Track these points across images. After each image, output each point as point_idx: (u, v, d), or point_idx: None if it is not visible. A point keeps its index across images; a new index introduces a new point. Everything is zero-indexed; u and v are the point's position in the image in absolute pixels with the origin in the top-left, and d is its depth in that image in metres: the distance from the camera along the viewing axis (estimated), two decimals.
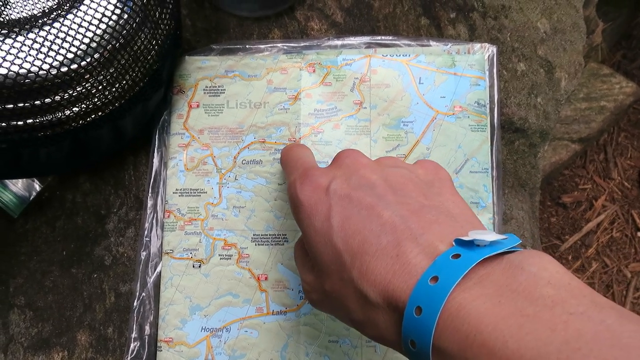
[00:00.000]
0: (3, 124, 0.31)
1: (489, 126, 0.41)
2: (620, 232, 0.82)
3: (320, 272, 0.28)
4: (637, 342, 0.18)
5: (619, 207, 0.82)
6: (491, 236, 0.23)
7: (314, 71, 0.42)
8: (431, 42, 0.42)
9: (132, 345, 0.38)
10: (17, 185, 0.40)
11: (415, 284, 0.23)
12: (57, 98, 0.32)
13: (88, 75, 0.32)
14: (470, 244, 0.23)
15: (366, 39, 0.43)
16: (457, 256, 0.23)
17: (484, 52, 0.42)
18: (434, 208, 0.27)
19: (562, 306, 0.20)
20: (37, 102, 0.31)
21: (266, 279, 0.39)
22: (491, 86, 0.42)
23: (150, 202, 0.41)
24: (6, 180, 0.40)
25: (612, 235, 0.81)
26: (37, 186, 0.40)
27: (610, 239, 0.82)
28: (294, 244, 0.33)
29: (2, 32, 0.30)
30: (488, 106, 0.41)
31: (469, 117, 0.41)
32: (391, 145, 0.41)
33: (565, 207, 0.82)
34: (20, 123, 0.31)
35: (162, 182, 0.41)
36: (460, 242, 0.24)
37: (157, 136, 0.42)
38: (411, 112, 0.41)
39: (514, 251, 0.24)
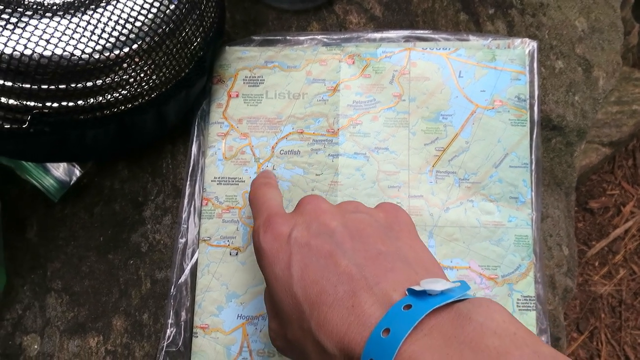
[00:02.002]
0: (54, 105, 0.31)
1: (529, 121, 0.41)
2: None
3: (282, 320, 0.29)
4: None
5: None
6: (442, 285, 0.24)
7: (353, 63, 0.42)
8: (470, 37, 0.42)
9: (168, 331, 0.38)
10: (59, 170, 0.40)
11: (368, 336, 0.23)
12: (108, 80, 0.32)
13: (138, 59, 0.33)
14: (422, 294, 0.24)
15: (405, 32, 0.43)
16: (408, 307, 0.23)
17: (525, 47, 0.41)
18: (390, 254, 0.27)
19: (505, 357, 0.21)
20: (89, 84, 0.32)
21: None
22: (531, 81, 0.42)
23: (188, 190, 0.41)
24: (48, 165, 0.40)
25: None
26: (77, 171, 0.41)
27: (638, 246, 0.80)
28: (265, 289, 0.33)
29: (58, 13, 0.30)
30: (528, 101, 0.41)
31: (509, 111, 0.41)
32: (430, 138, 0.41)
33: (592, 213, 0.81)
34: (71, 104, 0.32)
35: (200, 171, 0.41)
36: (412, 292, 0.24)
37: (195, 125, 0.42)
38: (450, 105, 0.41)
39: (464, 299, 0.24)
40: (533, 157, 0.41)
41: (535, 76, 0.42)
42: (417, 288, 0.24)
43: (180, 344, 0.38)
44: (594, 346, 0.80)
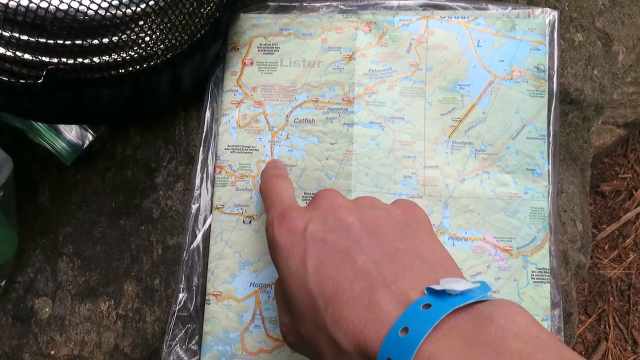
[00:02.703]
0: (70, 61, 0.31)
1: (547, 92, 0.40)
2: None
3: (295, 316, 0.28)
4: None
5: None
6: (462, 285, 0.23)
7: (369, 31, 0.41)
8: (489, 6, 0.41)
9: (180, 296, 0.38)
10: (71, 134, 0.40)
11: (386, 334, 0.23)
12: (124, 37, 0.32)
13: (154, 16, 0.32)
14: (442, 293, 0.23)
15: (422, 0, 0.42)
16: (427, 306, 0.23)
17: (545, 16, 0.41)
18: (409, 252, 0.27)
19: None
20: (105, 40, 0.31)
21: None
22: (551, 52, 0.41)
23: (201, 156, 0.40)
24: (60, 128, 0.40)
25: None
26: (90, 135, 0.40)
27: None
28: (275, 281, 0.32)
29: None
30: (547, 72, 0.40)
31: (527, 82, 0.40)
32: (446, 108, 0.40)
33: (603, 196, 0.81)
34: (86, 61, 0.31)
35: (213, 137, 0.41)
36: (431, 291, 0.24)
37: (209, 92, 0.42)
38: (468, 75, 0.40)
39: (484, 300, 0.23)
40: (551, 128, 0.40)
41: (555, 47, 0.41)
42: (436, 287, 0.23)
43: (191, 308, 0.38)
44: (601, 329, 0.80)
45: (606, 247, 0.81)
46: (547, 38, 0.41)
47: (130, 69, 0.33)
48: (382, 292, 0.24)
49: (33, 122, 0.39)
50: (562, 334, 0.39)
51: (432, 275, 0.25)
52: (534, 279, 0.38)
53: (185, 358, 0.38)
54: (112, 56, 0.32)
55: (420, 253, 0.27)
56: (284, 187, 0.33)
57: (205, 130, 0.41)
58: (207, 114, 0.41)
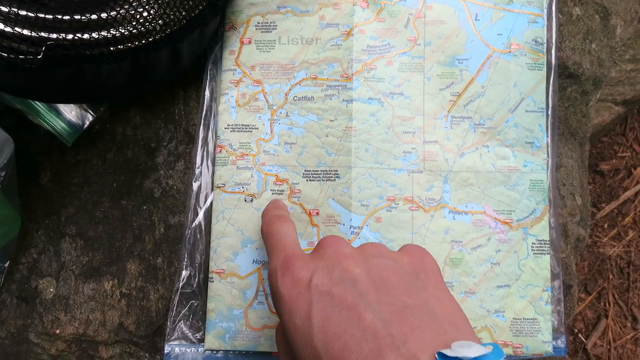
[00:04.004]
0: (69, 36, 0.31)
1: (546, 65, 0.40)
2: None
3: None
4: None
5: None
6: (475, 351, 0.22)
7: (367, 6, 0.41)
8: None
9: (183, 273, 0.39)
10: (71, 114, 0.40)
11: None
12: (122, 12, 0.32)
13: None
14: (454, 359, 0.22)
15: None
16: None
17: None
18: (417, 308, 0.26)
19: None
20: (103, 15, 0.31)
21: (317, 214, 0.39)
22: (549, 25, 0.41)
23: (201, 134, 0.41)
24: (60, 108, 0.40)
25: None
26: (90, 116, 0.40)
27: None
28: (276, 327, 0.32)
29: None
30: (545, 45, 0.40)
31: (525, 55, 0.40)
32: (445, 83, 0.40)
33: (602, 175, 0.81)
34: (85, 36, 0.31)
35: (213, 116, 0.41)
36: (443, 356, 0.23)
37: (208, 71, 0.42)
38: (466, 49, 0.40)
39: None
40: (549, 101, 0.40)
41: (554, 20, 0.41)
42: (448, 353, 0.22)
43: (194, 285, 0.38)
44: (601, 307, 0.80)
45: (605, 226, 0.81)
46: (545, 11, 0.41)
47: (130, 44, 0.33)
48: (391, 355, 0.23)
49: (32, 102, 0.39)
50: (562, 306, 0.40)
51: (443, 335, 0.24)
52: (534, 250, 0.39)
53: (189, 334, 0.38)
54: (111, 32, 0.32)
55: (429, 309, 0.26)
56: (287, 231, 0.32)
57: (205, 109, 0.41)
58: (207, 93, 0.41)
